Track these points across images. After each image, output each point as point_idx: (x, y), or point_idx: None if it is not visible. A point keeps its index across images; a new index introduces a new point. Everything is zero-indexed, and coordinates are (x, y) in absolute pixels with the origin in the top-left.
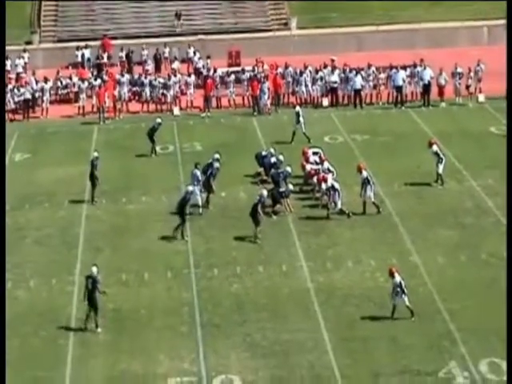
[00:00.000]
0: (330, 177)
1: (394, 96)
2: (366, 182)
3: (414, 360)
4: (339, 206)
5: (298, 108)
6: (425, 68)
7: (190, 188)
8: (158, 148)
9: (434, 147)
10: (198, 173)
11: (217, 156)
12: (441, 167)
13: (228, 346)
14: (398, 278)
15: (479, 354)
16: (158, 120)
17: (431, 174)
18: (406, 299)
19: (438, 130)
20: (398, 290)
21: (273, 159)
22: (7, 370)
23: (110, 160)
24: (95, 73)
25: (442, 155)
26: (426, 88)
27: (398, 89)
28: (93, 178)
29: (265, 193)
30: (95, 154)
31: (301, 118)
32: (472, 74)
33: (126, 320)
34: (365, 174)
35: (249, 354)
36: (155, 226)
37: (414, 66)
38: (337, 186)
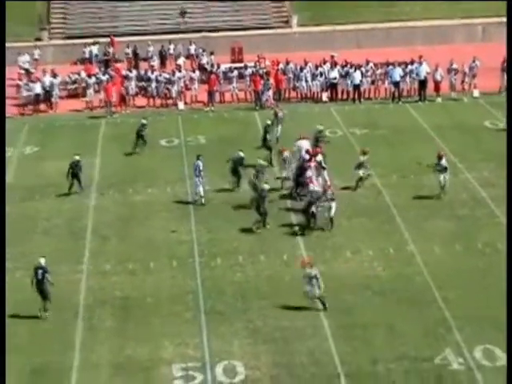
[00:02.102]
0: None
1: (392, 91)
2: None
3: (411, 347)
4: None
5: (280, 113)
6: (421, 64)
7: (266, 186)
8: (163, 141)
9: (444, 161)
10: (200, 164)
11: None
12: (447, 177)
13: (231, 333)
14: (313, 271)
15: (474, 340)
16: (143, 121)
17: (427, 166)
18: (318, 292)
19: (434, 124)
20: (314, 281)
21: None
22: (16, 355)
23: (117, 153)
24: (103, 68)
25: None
26: (423, 83)
27: (396, 84)
28: (75, 176)
29: (266, 187)
30: (76, 157)
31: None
32: (467, 70)
33: (133, 307)
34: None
35: (251, 341)
36: (160, 216)
37: (411, 62)
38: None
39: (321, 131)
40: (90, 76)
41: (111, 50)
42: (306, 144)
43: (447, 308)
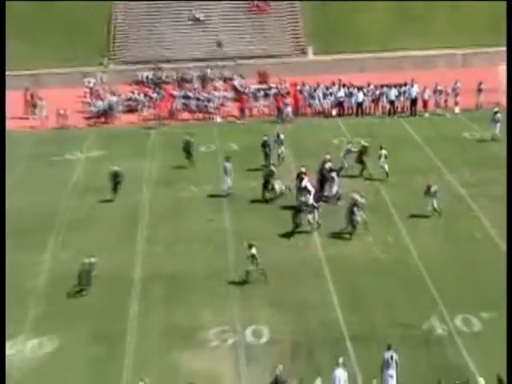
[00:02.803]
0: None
1: (388, 108)
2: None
3: (403, 315)
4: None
5: (282, 135)
6: (412, 86)
7: (357, 197)
8: (203, 148)
9: (433, 188)
10: (228, 165)
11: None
12: (435, 202)
13: (257, 303)
14: (253, 250)
15: (455, 311)
16: (188, 137)
17: (419, 169)
18: (256, 268)
19: (422, 134)
20: (253, 260)
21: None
22: (82, 321)
23: (166, 157)
24: (154, 89)
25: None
26: (414, 102)
27: (391, 102)
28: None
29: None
30: (116, 167)
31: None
32: (450, 91)
33: (177, 283)
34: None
35: (273, 310)
36: (200, 208)
37: (404, 84)
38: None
39: (366, 147)
40: (144, 95)
41: (161, 73)
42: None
43: (433, 284)
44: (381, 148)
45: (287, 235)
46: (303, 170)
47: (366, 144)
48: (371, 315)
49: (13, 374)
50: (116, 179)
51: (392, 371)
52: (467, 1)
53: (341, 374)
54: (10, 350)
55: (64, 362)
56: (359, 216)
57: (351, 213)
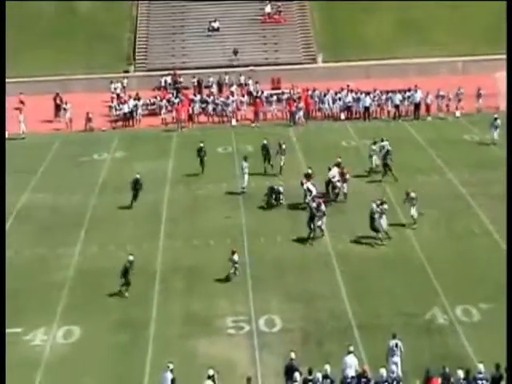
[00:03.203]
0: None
1: (393, 112)
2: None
3: (407, 306)
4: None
5: (284, 145)
6: (416, 91)
7: (373, 206)
8: (220, 149)
9: (412, 195)
10: (245, 164)
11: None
12: (413, 209)
13: (270, 294)
14: (235, 257)
15: (455, 302)
16: (201, 144)
17: (422, 169)
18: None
19: (425, 137)
20: (234, 264)
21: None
22: (108, 309)
23: (185, 157)
24: (175, 94)
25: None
26: (417, 106)
27: (396, 107)
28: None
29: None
30: (137, 175)
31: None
32: (451, 96)
33: (196, 274)
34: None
35: (285, 300)
36: (217, 205)
37: (408, 90)
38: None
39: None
40: (167, 100)
41: (180, 79)
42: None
43: (435, 276)
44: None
45: (299, 231)
46: (309, 171)
47: (389, 147)
48: (377, 305)
49: (44, 359)
50: (136, 186)
51: (397, 358)
52: (467, 8)
53: (351, 360)
54: (42, 336)
55: (91, 348)
56: (379, 222)
57: (372, 219)
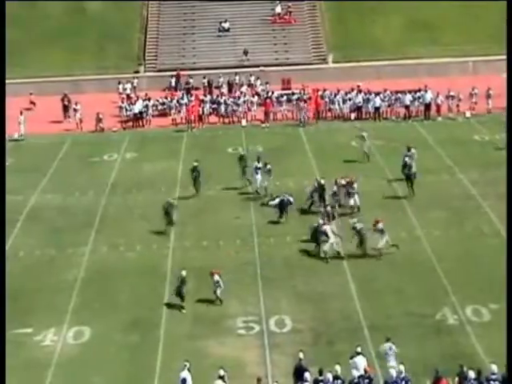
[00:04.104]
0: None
1: (404, 112)
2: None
3: (417, 306)
4: None
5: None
6: (426, 92)
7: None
8: (230, 149)
9: (380, 225)
10: (259, 165)
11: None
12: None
13: (280, 294)
14: (216, 278)
15: (465, 302)
16: (195, 163)
17: (432, 169)
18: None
19: (435, 137)
20: (218, 284)
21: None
22: (118, 310)
23: (195, 157)
24: (183, 94)
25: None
26: (427, 106)
27: (406, 107)
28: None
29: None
30: (170, 200)
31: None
32: (462, 97)
33: (206, 274)
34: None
35: (295, 301)
36: (227, 206)
37: (419, 90)
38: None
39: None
40: (177, 100)
41: (190, 80)
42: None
43: (445, 277)
44: (408, 149)
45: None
46: (322, 181)
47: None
48: (387, 306)
49: (55, 359)
50: (168, 210)
51: (393, 362)
52: (478, 8)
53: (361, 361)
54: (53, 336)
55: (101, 348)
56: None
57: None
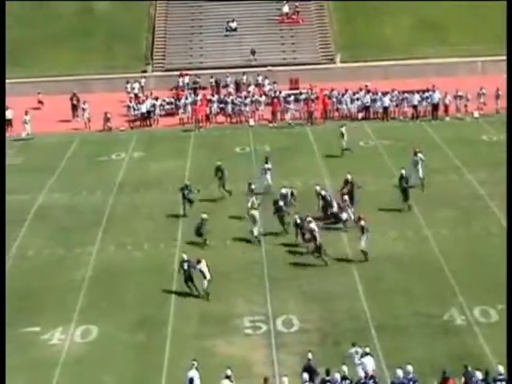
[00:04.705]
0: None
1: (411, 112)
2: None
3: (424, 306)
4: None
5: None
6: (434, 92)
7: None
8: (237, 149)
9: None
10: (267, 166)
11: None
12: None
13: (287, 294)
14: (200, 266)
15: (473, 302)
16: (187, 182)
17: (440, 169)
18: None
19: (443, 137)
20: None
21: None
22: (126, 308)
23: (203, 157)
24: (191, 93)
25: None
26: (435, 107)
27: (414, 107)
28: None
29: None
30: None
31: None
32: (469, 97)
33: (213, 273)
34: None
35: (302, 300)
36: (235, 205)
37: (427, 90)
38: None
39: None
40: (184, 99)
41: (198, 79)
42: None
43: (453, 277)
44: (415, 153)
45: None
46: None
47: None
48: (394, 306)
49: (62, 358)
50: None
51: (360, 369)
52: (486, 8)
53: (369, 361)
54: (60, 335)
55: (109, 346)
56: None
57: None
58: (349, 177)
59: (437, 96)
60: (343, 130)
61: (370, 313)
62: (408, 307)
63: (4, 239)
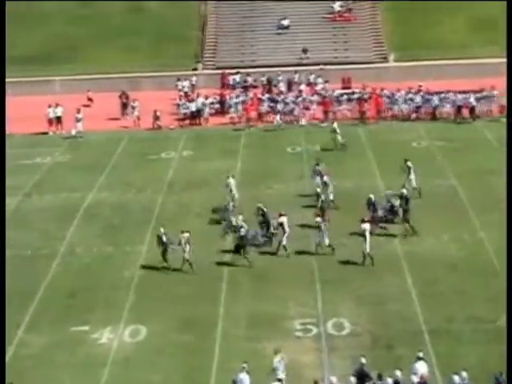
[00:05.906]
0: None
1: (466, 113)
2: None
3: (479, 311)
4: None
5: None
6: (491, 92)
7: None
8: (289, 149)
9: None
10: (318, 168)
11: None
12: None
13: (338, 297)
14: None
15: None
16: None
17: (493, 171)
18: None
19: (498, 138)
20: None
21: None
22: (175, 307)
23: (253, 156)
24: (243, 92)
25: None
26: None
27: (471, 108)
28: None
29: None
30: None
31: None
32: None
33: (263, 276)
34: None
35: (354, 303)
36: (285, 206)
37: (483, 90)
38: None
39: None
40: (235, 98)
41: (249, 78)
42: None
43: (508, 279)
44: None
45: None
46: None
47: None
48: (448, 309)
49: (111, 357)
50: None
51: (281, 374)
52: None
53: (421, 366)
54: (109, 334)
55: (157, 346)
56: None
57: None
58: (404, 191)
59: (492, 96)
60: (335, 125)
61: (422, 316)
62: (461, 311)
63: (4, 239)
